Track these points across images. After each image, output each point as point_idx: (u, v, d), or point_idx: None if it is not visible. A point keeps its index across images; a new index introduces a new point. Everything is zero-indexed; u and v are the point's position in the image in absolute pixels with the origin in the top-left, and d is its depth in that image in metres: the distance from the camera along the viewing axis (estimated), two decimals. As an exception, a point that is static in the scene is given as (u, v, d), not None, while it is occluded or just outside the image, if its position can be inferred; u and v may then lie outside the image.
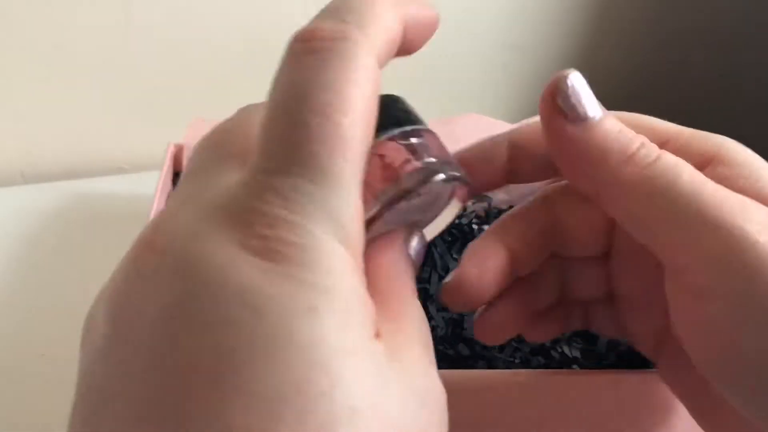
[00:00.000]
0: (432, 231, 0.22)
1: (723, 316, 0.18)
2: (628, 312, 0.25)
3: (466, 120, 0.47)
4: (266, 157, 0.15)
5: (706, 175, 0.20)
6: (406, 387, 0.15)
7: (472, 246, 0.23)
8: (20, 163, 0.59)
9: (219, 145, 0.17)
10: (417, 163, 0.19)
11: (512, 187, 0.26)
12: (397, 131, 0.19)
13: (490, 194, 0.39)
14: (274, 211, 0.14)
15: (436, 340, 0.28)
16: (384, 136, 0.18)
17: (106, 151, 0.62)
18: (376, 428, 0.13)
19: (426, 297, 0.34)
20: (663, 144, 0.21)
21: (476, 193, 0.23)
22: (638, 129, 0.21)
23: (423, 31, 0.18)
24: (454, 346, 0.32)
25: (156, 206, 0.41)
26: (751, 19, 0.77)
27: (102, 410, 0.14)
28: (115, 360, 0.14)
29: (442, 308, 0.33)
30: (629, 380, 0.27)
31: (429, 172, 0.19)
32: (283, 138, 0.15)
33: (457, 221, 0.36)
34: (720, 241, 0.18)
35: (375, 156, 0.18)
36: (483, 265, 0.22)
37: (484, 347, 0.32)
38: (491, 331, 0.24)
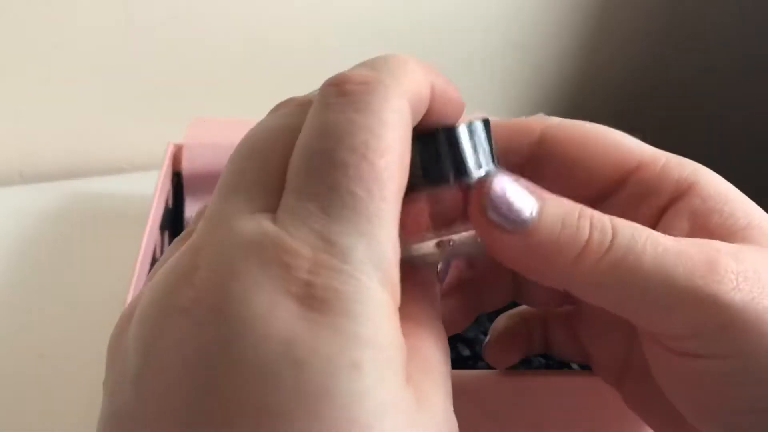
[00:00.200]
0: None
1: (709, 374, 0.18)
2: (587, 334, 0.24)
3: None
4: (301, 195, 0.15)
5: (682, 208, 0.20)
6: None
7: None
8: (19, 162, 0.59)
9: (247, 167, 0.16)
10: (431, 238, 0.19)
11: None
12: (426, 191, 0.18)
13: None
14: (318, 256, 0.14)
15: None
16: (422, 190, 0.18)
17: (105, 151, 0.62)
18: None
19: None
20: (634, 170, 0.21)
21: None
22: (606, 151, 0.21)
23: (450, 105, 0.18)
24: (454, 346, 0.32)
25: (155, 206, 0.41)
26: (751, 20, 0.77)
27: None
28: (147, 395, 0.14)
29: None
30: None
31: (441, 252, 0.19)
32: (320, 176, 0.15)
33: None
34: (696, 309, 0.17)
35: (406, 205, 0.17)
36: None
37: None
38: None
